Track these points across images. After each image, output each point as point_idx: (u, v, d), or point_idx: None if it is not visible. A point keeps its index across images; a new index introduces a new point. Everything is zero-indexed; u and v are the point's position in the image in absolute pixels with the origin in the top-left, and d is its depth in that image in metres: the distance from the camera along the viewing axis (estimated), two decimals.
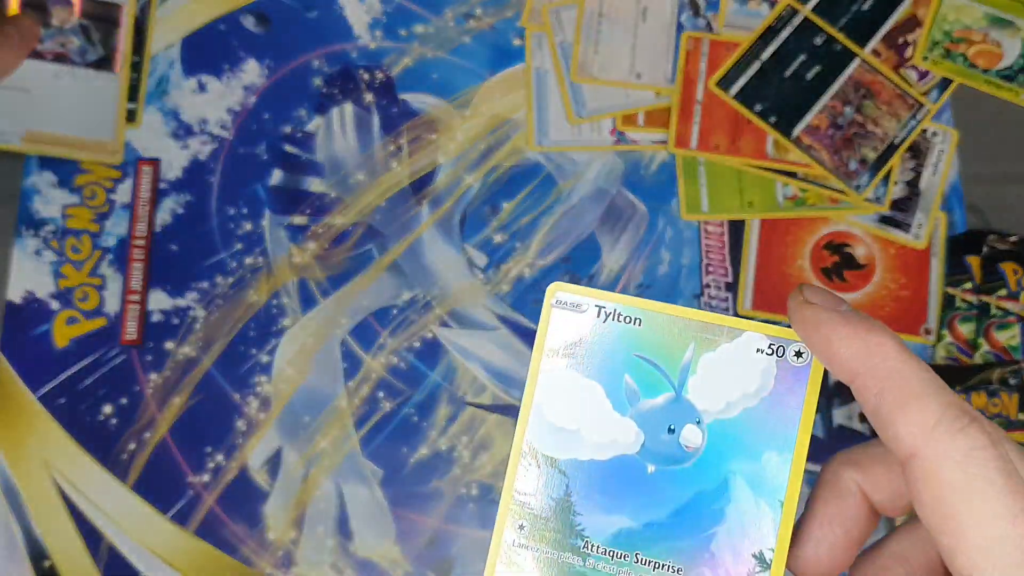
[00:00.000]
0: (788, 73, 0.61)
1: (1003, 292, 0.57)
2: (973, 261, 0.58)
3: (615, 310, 0.25)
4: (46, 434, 0.56)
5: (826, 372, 0.24)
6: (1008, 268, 0.58)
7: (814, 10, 0.62)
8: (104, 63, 0.60)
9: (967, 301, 0.58)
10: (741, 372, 0.25)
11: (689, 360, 0.25)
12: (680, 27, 0.62)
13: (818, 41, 0.61)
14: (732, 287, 0.59)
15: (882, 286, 0.59)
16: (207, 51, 0.62)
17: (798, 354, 0.25)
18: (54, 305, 0.58)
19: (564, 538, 0.25)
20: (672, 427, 0.25)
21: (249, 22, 0.63)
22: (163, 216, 0.60)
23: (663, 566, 0.24)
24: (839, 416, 0.57)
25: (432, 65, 0.62)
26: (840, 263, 0.59)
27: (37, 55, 0.59)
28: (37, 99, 0.59)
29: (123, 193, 0.60)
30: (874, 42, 0.62)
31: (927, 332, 0.58)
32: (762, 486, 0.24)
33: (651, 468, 0.25)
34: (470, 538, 0.55)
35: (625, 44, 0.62)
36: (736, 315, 0.58)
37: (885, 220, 0.60)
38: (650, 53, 0.62)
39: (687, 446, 0.25)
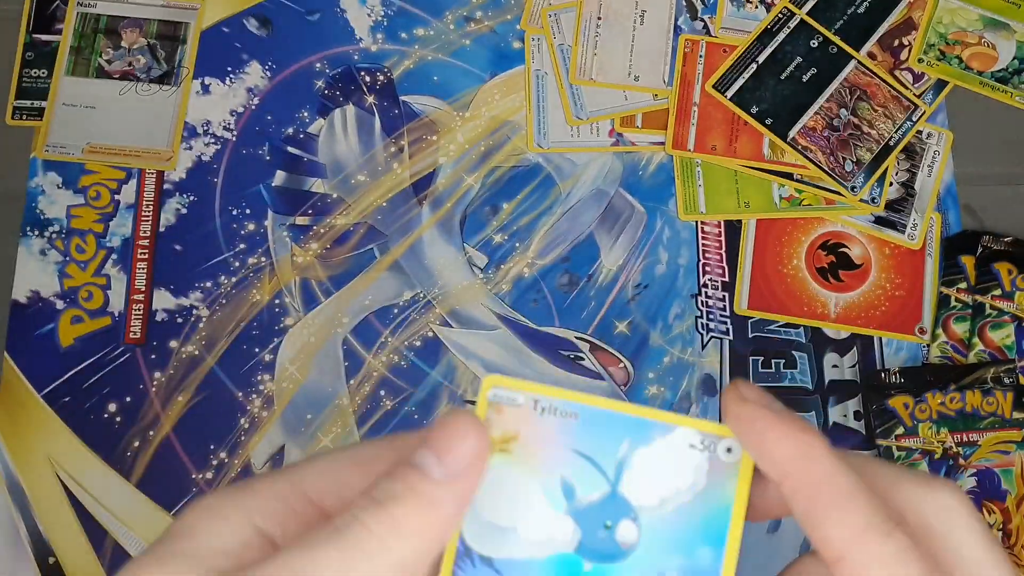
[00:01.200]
0: (784, 75, 0.61)
1: (997, 292, 0.58)
2: (967, 261, 0.59)
3: (551, 404, 0.25)
4: (51, 432, 0.56)
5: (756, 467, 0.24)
6: (1002, 268, 0.58)
7: (810, 13, 0.62)
8: (167, 77, 0.62)
9: (961, 301, 0.58)
10: (674, 467, 0.24)
11: (624, 455, 0.24)
12: (677, 30, 0.63)
13: (814, 44, 0.62)
14: (729, 287, 0.59)
15: (877, 286, 0.59)
16: (210, 53, 0.63)
17: (728, 450, 0.24)
18: (59, 304, 0.58)
19: None
20: (608, 523, 0.24)
21: (252, 25, 0.64)
22: (167, 216, 0.60)
23: None
24: (834, 414, 0.58)
25: (433, 67, 0.63)
26: (835, 263, 0.60)
27: (105, 74, 0.61)
28: (101, 114, 0.61)
29: (127, 194, 0.60)
30: (869, 45, 0.62)
31: (922, 331, 0.59)
32: None
33: (588, 566, 0.24)
34: None
35: (623, 47, 0.63)
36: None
37: (880, 221, 0.60)
38: (648, 56, 0.62)
39: (623, 543, 0.24)
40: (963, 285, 0.58)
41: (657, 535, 0.24)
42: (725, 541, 0.24)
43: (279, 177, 0.61)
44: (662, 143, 0.61)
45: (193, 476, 0.56)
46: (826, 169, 0.60)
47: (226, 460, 0.56)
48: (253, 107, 0.62)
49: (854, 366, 0.58)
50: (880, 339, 0.59)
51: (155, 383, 0.57)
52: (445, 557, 0.24)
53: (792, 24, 0.62)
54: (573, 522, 0.24)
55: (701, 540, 0.24)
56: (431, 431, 0.23)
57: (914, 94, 0.61)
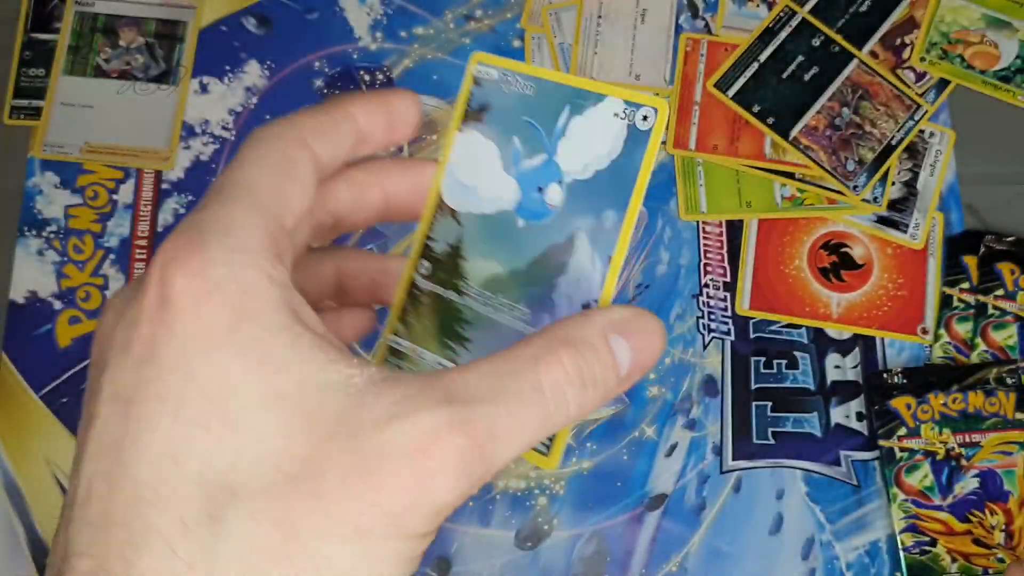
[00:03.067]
0: (786, 74, 0.61)
1: (1000, 292, 0.58)
2: (970, 261, 0.59)
3: (516, 78, 0.27)
4: (49, 433, 0.56)
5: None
6: (1005, 268, 0.58)
7: (812, 11, 0.62)
8: (165, 76, 0.62)
9: (964, 301, 0.58)
10: (599, 135, 0.26)
11: (563, 124, 0.26)
12: (678, 28, 0.63)
13: (816, 42, 0.62)
14: (730, 287, 0.59)
15: (879, 286, 0.59)
16: (209, 52, 0.63)
17: (645, 117, 0.26)
18: (57, 305, 0.58)
19: (450, 278, 0.28)
20: (540, 186, 0.27)
21: (251, 23, 0.63)
22: (165, 216, 0.60)
23: (515, 308, 0.27)
24: (837, 415, 0.57)
25: (432, 66, 0.63)
26: (838, 263, 0.59)
27: (103, 73, 0.61)
28: (99, 113, 0.61)
29: (125, 193, 0.60)
30: (872, 43, 0.62)
31: (924, 332, 0.58)
32: (598, 241, 0.26)
33: (521, 223, 0.27)
34: (470, 536, 0.56)
35: (624, 45, 0.62)
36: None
37: (882, 220, 0.60)
38: (649, 54, 0.62)
39: (550, 204, 0.27)
40: (966, 285, 0.58)
41: (575, 198, 0.26)
42: (628, 205, 0.26)
43: None
44: (663, 142, 0.61)
45: None
46: (828, 168, 0.60)
47: None
48: (252, 106, 0.62)
49: (856, 367, 0.58)
50: (882, 339, 0.59)
51: None
52: (427, 207, 0.28)
53: (794, 23, 0.62)
54: (517, 184, 0.27)
55: (608, 204, 0.26)
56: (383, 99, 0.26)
57: (916, 93, 0.61)
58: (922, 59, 0.62)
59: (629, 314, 0.24)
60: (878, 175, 0.60)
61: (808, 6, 0.62)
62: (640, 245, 0.60)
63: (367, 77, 0.62)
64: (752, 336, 0.59)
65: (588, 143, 0.26)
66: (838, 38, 0.62)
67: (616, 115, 0.26)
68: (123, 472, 0.20)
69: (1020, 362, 0.56)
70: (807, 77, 0.61)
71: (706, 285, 0.59)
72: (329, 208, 0.27)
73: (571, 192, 0.26)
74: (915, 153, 0.61)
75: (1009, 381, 0.55)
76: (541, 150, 0.27)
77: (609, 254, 0.26)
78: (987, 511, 0.54)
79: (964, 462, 0.55)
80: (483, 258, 0.27)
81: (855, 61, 0.61)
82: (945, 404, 0.56)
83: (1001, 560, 0.54)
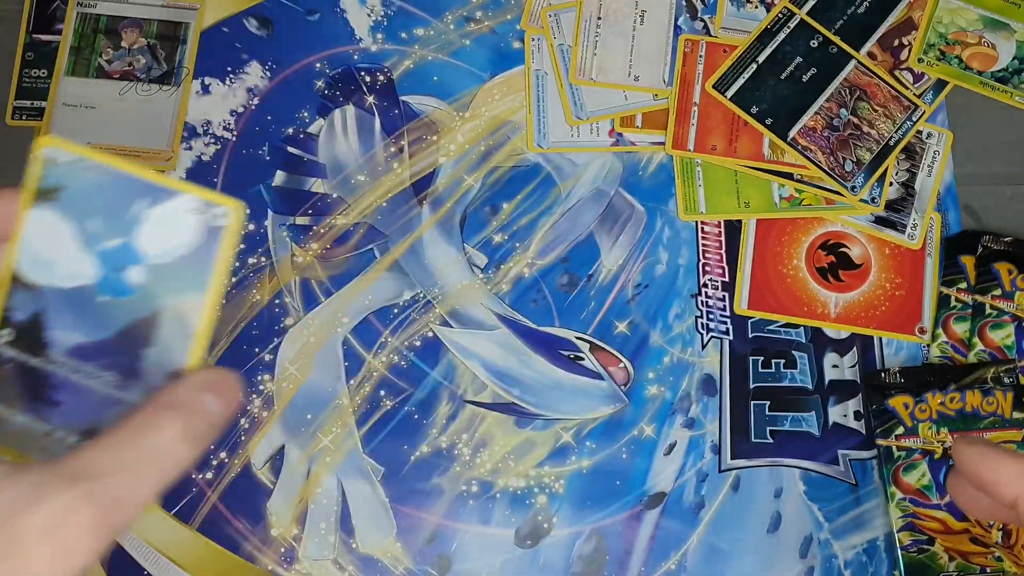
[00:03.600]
0: (784, 75, 0.61)
1: (997, 292, 0.58)
2: (967, 261, 0.59)
3: (93, 165, 0.30)
4: None
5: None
6: (1002, 268, 0.58)
7: (810, 13, 0.62)
8: (167, 77, 0.62)
9: (962, 301, 0.58)
10: (175, 227, 0.30)
11: (139, 213, 0.30)
12: (677, 30, 0.63)
13: (814, 44, 0.62)
14: (729, 287, 0.59)
15: (877, 286, 0.59)
16: (210, 53, 0.63)
17: (220, 216, 0.30)
18: None
19: (34, 346, 0.30)
20: (121, 266, 0.30)
21: (252, 25, 0.64)
22: None
23: (104, 376, 0.30)
24: (834, 414, 0.58)
25: (433, 67, 0.63)
26: (836, 263, 0.60)
27: (105, 74, 0.62)
28: (101, 114, 0.61)
29: None
30: (869, 44, 0.62)
31: (922, 331, 0.59)
32: (182, 318, 0.30)
33: (101, 298, 0.30)
34: (470, 534, 0.56)
35: (623, 47, 0.63)
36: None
37: (880, 220, 0.60)
38: (648, 56, 0.62)
39: (130, 283, 0.30)
40: (963, 285, 0.58)
41: (158, 279, 0.30)
42: (206, 289, 0.30)
43: (279, 177, 0.61)
44: (662, 143, 0.61)
45: (193, 476, 0.56)
46: (826, 169, 0.60)
47: (226, 460, 0.57)
48: (253, 107, 0.62)
49: (854, 366, 0.58)
50: (880, 339, 0.59)
51: None
52: (1, 281, 0.30)
53: (792, 24, 0.62)
54: (97, 262, 0.30)
55: (191, 287, 0.30)
56: None
57: (914, 94, 0.61)
58: (920, 60, 0.62)
59: (211, 374, 0.29)
60: (876, 175, 0.60)
61: (806, 7, 0.63)
62: (639, 245, 0.60)
63: (368, 78, 0.63)
64: (750, 336, 0.59)
65: (165, 233, 0.30)
66: (836, 39, 0.62)
67: (192, 211, 0.30)
68: None
69: (1018, 361, 0.56)
70: (805, 78, 0.61)
71: (705, 285, 0.59)
72: None
73: (153, 273, 0.30)
74: (913, 154, 0.61)
75: (1006, 380, 0.56)
76: (119, 234, 0.30)
77: (192, 330, 0.30)
78: None
79: None
80: (66, 329, 0.30)
81: (853, 62, 0.62)
82: (943, 403, 0.56)
83: (999, 559, 0.54)
